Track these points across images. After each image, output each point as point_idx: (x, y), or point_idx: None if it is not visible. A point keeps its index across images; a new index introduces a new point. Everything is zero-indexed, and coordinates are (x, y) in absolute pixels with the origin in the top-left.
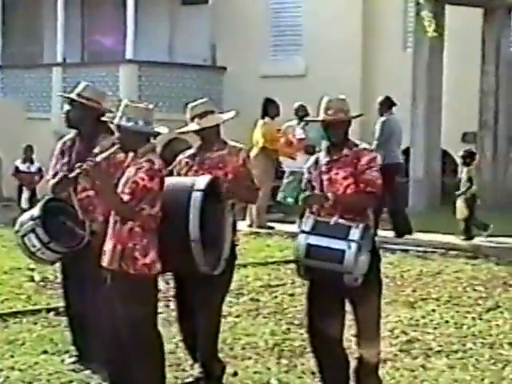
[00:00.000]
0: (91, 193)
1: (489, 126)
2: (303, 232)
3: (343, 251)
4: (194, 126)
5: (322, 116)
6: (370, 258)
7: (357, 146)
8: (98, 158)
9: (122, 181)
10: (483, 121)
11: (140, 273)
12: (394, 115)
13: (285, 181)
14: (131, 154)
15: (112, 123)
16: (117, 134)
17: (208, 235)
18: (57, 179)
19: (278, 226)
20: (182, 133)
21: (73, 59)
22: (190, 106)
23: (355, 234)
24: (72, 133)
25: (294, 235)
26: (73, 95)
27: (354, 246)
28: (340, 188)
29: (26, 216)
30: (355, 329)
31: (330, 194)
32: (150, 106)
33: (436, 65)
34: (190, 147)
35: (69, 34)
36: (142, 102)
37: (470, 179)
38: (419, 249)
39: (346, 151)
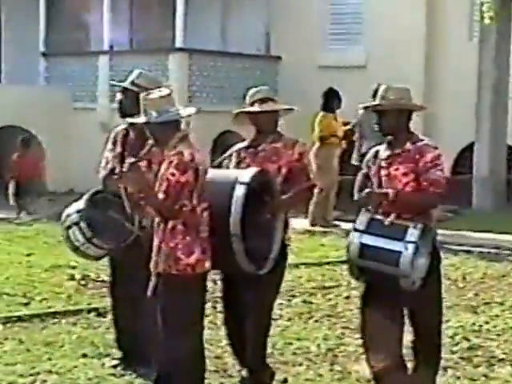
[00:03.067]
0: None
1: None
2: (356, 230)
3: (400, 253)
4: (254, 108)
5: (377, 101)
6: (430, 260)
7: (421, 140)
8: (133, 160)
9: (158, 178)
10: None
11: (183, 273)
12: None
13: None
14: (163, 148)
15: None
16: (148, 133)
17: (253, 232)
18: (107, 171)
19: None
20: (239, 116)
21: (120, 47)
22: (250, 91)
23: (413, 234)
24: (124, 123)
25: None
26: (126, 84)
27: (411, 247)
28: (399, 185)
29: (72, 207)
30: (413, 336)
31: (390, 191)
32: (166, 92)
33: (503, 55)
34: (242, 140)
35: (116, 20)
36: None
37: None
38: (483, 250)
39: (408, 145)
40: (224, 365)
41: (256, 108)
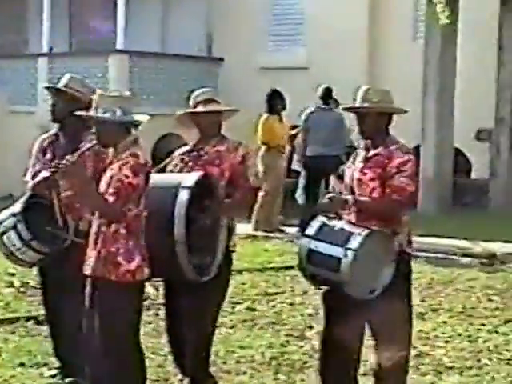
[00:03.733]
0: None
1: (506, 123)
2: (306, 236)
3: (339, 259)
4: (198, 109)
5: (357, 104)
6: (395, 268)
7: (396, 144)
8: (75, 156)
9: (105, 179)
10: (499, 117)
11: (122, 280)
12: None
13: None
14: (111, 149)
15: (87, 117)
16: (94, 128)
17: (197, 238)
18: (38, 179)
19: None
20: (183, 117)
21: (60, 49)
22: (194, 93)
23: (354, 241)
24: (54, 128)
25: (292, 239)
26: (59, 86)
27: (350, 254)
28: (366, 190)
29: (5, 213)
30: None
31: (350, 198)
32: (127, 94)
33: (449, 56)
34: (185, 144)
35: (55, 22)
36: (119, 91)
37: None
38: (430, 255)
39: (380, 149)
40: (166, 374)
41: (200, 109)
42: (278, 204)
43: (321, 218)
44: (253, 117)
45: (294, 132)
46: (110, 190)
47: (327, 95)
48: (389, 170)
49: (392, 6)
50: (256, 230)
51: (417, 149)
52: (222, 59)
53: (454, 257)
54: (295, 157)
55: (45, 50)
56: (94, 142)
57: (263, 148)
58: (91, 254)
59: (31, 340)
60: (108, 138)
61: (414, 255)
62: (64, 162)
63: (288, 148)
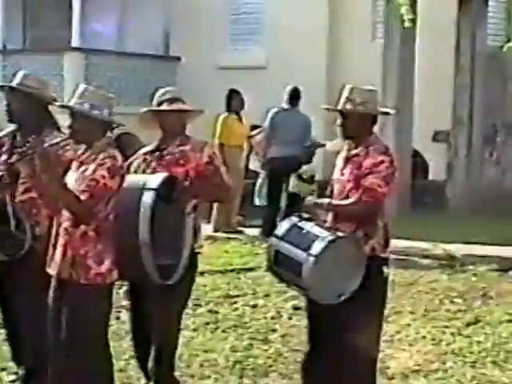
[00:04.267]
0: (34, 194)
1: (463, 124)
2: (275, 236)
3: (301, 264)
4: (164, 108)
5: (340, 105)
6: (366, 272)
7: (375, 144)
8: (46, 144)
9: (74, 176)
10: (457, 118)
11: (92, 283)
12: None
13: (260, 185)
14: (83, 147)
15: (66, 107)
16: (71, 121)
17: (162, 240)
18: None
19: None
20: (145, 117)
21: (13, 46)
22: (159, 91)
23: (317, 246)
24: (11, 127)
25: (253, 241)
26: (13, 84)
27: (311, 259)
28: (344, 192)
29: None
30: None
31: (325, 201)
32: (111, 94)
33: (408, 57)
34: (142, 146)
35: (9, 18)
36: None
37: None
38: (390, 257)
39: (359, 149)
40: (128, 378)
41: (166, 107)
42: (236, 205)
43: (293, 219)
44: (211, 116)
45: (254, 132)
46: (83, 188)
47: (295, 96)
48: (362, 170)
49: (351, 5)
50: (216, 231)
51: None
52: (179, 58)
53: (414, 258)
54: (254, 157)
55: None
56: (66, 136)
57: (220, 148)
58: (56, 255)
59: None
60: (86, 135)
61: (389, 259)
62: (34, 148)
63: (246, 148)
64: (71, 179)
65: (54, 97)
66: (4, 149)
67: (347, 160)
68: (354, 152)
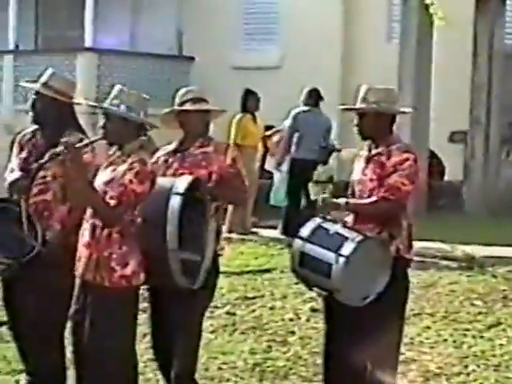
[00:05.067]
0: (48, 196)
1: (480, 124)
2: (300, 238)
3: (331, 265)
4: (188, 107)
5: (358, 105)
6: (391, 274)
7: (397, 143)
8: (79, 144)
9: (104, 179)
10: (474, 118)
11: (117, 286)
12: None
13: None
14: (114, 148)
15: (102, 108)
16: (104, 122)
17: (187, 244)
18: (15, 177)
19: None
20: (167, 116)
21: (26, 46)
22: (181, 90)
23: (347, 247)
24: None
25: (268, 241)
26: (38, 86)
27: (341, 260)
28: (366, 191)
29: None
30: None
31: (343, 201)
32: (145, 96)
33: (424, 57)
34: (156, 149)
35: (22, 18)
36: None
37: None
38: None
39: (381, 149)
40: (147, 381)
41: (189, 107)
42: (251, 205)
43: (317, 220)
44: (225, 116)
45: (269, 132)
46: (112, 193)
47: (316, 97)
48: (386, 169)
49: (366, 5)
50: (230, 232)
51: None
52: (192, 58)
53: (432, 260)
54: (270, 158)
55: (11, 47)
56: (100, 136)
57: (235, 147)
58: (82, 256)
59: (5, 346)
60: (120, 137)
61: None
62: (68, 146)
63: (261, 148)
64: (100, 179)
65: (75, 100)
66: (26, 146)
67: (368, 160)
68: (375, 152)
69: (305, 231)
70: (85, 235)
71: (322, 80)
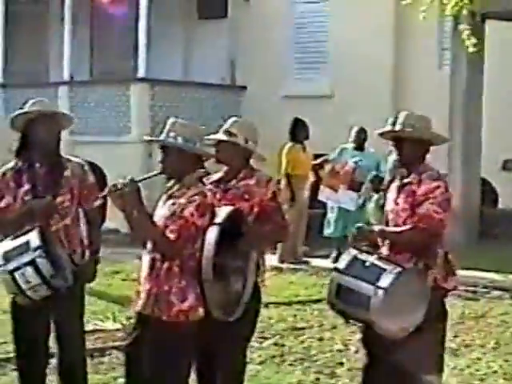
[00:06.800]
0: (68, 221)
1: None
2: (336, 270)
3: (369, 297)
4: (213, 136)
5: (397, 128)
6: (429, 305)
7: (428, 171)
8: (137, 178)
9: (164, 213)
10: None
11: (175, 320)
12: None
13: (331, 215)
14: (172, 181)
15: (159, 142)
16: (162, 156)
17: (225, 275)
18: (45, 201)
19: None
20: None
21: (81, 77)
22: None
23: (385, 279)
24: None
25: (319, 271)
26: (220, 135)
27: (380, 293)
28: (399, 220)
29: (10, 246)
30: None
31: (376, 228)
32: (201, 127)
33: (475, 84)
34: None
35: (76, 50)
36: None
37: None
38: (459, 288)
39: (412, 177)
40: None
41: (214, 136)
42: (302, 235)
43: (352, 252)
44: (276, 146)
45: (318, 161)
46: (172, 227)
47: (363, 138)
48: (417, 197)
49: (417, 33)
50: (281, 262)
51: None
52: (245, 87)
53: (483, 290)
54: (324, 188)
55: (66, 78)
56: (157, 171)
57: (286, 178)
58: (141, 291)
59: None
60: (179, 170)
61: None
62: (125, 182)
63: (312, 177)
64: (159, 213)
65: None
66: (21, 179)
67: (400, 189)
68: (406, 180)
69: (341, 263)
70: (144, 269)
71: (372, 108)
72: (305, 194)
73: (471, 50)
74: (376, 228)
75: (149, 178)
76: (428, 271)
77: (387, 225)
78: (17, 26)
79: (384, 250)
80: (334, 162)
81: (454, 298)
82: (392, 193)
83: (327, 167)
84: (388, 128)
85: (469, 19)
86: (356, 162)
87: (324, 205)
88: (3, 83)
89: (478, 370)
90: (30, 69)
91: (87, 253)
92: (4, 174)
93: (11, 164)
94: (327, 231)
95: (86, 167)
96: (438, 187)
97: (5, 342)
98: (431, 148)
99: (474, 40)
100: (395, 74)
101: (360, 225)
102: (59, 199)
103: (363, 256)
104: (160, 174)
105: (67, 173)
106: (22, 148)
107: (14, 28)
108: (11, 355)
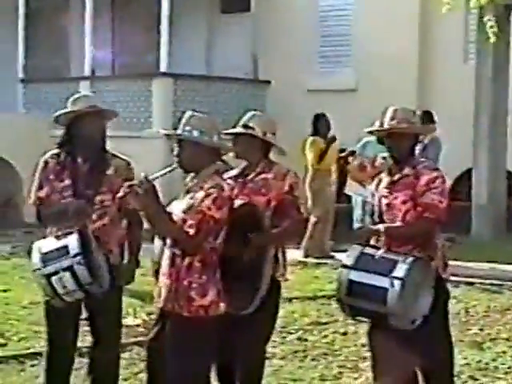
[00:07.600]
0: (106, 221)
1: None
2: (344, 266)
3: (386, 290)
4: (230, 130)
5: (386, 125)
6: (434, 295)
7: (421, 163)
8: (153, 176)
9: (182, 207)
10: None
11: (195, 316)
12: None
13: (358, 211)
14: (190, 176)
15: (175, 135)
16: (178, 150)
17: (238, 269)
18: (79, 204)
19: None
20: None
21: (102, 72)
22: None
23: (400, 269)
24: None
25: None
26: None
27: (397, 284)
28: (399, 214)
29: (48, 249)
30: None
31: (381, 227)
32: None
33: (501, 77)
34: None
35: (98, 44)
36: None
37: None
38: (485, 281)
39: (407, 170)
40: None
41: (231, 130)
42: (329, 230)
43: (357, 247)
44: (300, 139)
45: (343, 154)
46: (191, 222)
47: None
48: (418, 189)
49: (442, 27)
50: (306, 256)
51: (468, 172)
52: (268, 82)
53: (510, 283)
54: (352, 182)
55: (87, 73)
56: (175, 165)
57: (311, 172)
58: (162, 286)
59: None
60: (196, 163)
61: (450, 280)
62: (141, 181)
63: (336, 171)
64: (177, 207)
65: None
66: (62, 173)
67: (393, 183)
68: (400, 174)
69: (348, 260)
70: (165, 264)
71: (397, 102)
72: (330, 188)
73: (493, 39)
74: (380, 226)
75: (164, 174)
76: (431, 262)
77: (380, 219)
78: (38, 21)
79: (385, 246)
80: (361, 157)
81: (480, 291)
82: (383, 187)
83: (355, 162)
84: (376, 127)
85: (494, 11)
86: (384, 158)
87: (349, 199)
88: (24, 78)
89: (503, 364)
90: (50, 64)
91: (126, 254)
92: (46, 162)
93: (54, 151)
94: (357, 225)
95: (132, 165)
96: (438, 177)
97: (24, 338)
98: (455, 143)
99: (496, 30)
100: (420, 67)
101: (360, 225)
102: (99, 198)
103: (369, 250)
104: (174, 169)
105: (110, 171)
106: (66, 142)
107: (34, 23)
108: (30, 351)
